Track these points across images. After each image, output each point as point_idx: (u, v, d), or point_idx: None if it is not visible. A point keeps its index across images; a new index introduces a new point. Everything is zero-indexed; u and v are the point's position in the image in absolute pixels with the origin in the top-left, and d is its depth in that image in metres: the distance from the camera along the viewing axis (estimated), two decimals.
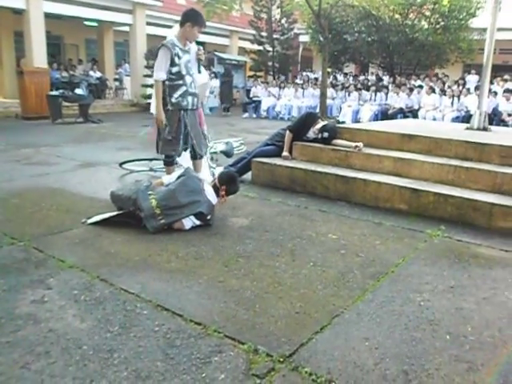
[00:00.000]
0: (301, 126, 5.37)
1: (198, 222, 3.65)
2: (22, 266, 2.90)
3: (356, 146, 4.91)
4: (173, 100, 4.19)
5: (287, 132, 5.36)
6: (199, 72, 4.40)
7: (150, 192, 3.62)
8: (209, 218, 3.69)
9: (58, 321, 2.26)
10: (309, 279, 2.80)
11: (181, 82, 4.19)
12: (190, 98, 4.27)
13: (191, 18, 4.11)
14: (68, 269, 2.86)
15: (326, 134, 5.13)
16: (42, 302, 2.45)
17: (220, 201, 3.78)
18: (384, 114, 13.03)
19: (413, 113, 12.50)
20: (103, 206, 4.11)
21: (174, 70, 4.14)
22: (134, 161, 5.92)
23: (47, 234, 3.46)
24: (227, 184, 3.78)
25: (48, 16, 13.47)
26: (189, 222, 3.62)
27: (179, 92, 4.19)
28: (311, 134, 5.31)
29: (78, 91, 12.12)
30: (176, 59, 4.12)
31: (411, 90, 13.04)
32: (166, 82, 4.16)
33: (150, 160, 5.80)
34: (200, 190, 3.70)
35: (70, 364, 1.94)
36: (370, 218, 4.09)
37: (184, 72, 4.19)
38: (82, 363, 1.95)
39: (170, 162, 4.51)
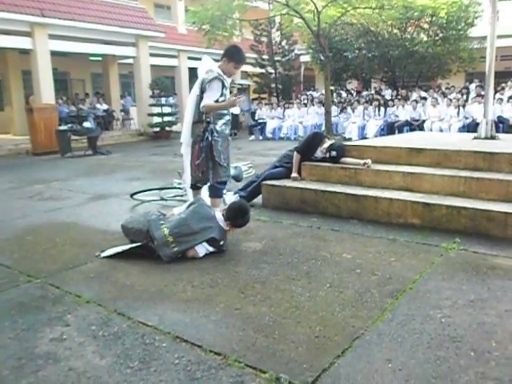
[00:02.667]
0: (308, 147, 5.39)
1: (211, 249, 3.66)
2: (39, 303, 2.91)
3: (365, 163, 4.92)
4: (217, 128, 4.21)
5: (295, 153, 5.38)
6: None
7: (161, 222, 3.65)
8: (222, 243, 3.69)
9: (78, 358, 2.26)
10: (326, 301, 2.78)
11: (225, 111, 4.28)
12: (229, 127, 4.40)
13: (227, 54, 4.21)
14: (85, 304, 2.87)
15: (334, 153, 5.14)
16: (60, 339, 2.45)
17: (228, 232, 3.79)
18: (389, 128, 13.05)
19: (419, 125, 12.50)
20: (116, 238, 4.13)
21: (221, 99, 4.18)
22: (144, 191, 5.97)
23: (63, 269, 3.48)
24: (232, 218, 3.75)
25: (54, 54, 13.84)
26: (202, 249, 3.62)
27: (223, 121, 4.26)
28: (319, 153, 5.33)
29: (86, 124, 12.32)
30: (223, 90, 4.19)
31: (416, 102, 13.08)
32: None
33: (161, 189, 5.85)
34: (211, 217, 3.72)
35: None
36: (383, 234, 4.06)
37: None
38: None
39: (221, 192, 4.47)
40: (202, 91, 4.17)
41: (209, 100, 4.11)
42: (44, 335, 2.50)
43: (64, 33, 13.81)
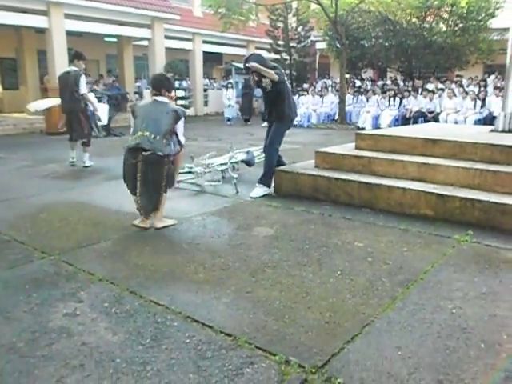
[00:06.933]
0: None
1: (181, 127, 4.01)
2: (53, 279, 2.96)
3: None
4: None
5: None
6: None
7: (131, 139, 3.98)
8: (181, 112, 3.99)
9: (91, 334, 2.30)
10: (337, 288, 2.79)
11: None
12: None
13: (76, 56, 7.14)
14: (98, 282, 2.91)
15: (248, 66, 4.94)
16: (74, 315, 2.49)
17: (172, 99, 4.02)
18: (404, 119, 12.92)
19: (434, 117, 12.35)
20: (129, 218, 4.17)
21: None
22: None
23: (76, 247, 3.53)
24: (162, 86, 4.04)
25: (69, 34, 13.82)
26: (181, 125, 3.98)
27: None
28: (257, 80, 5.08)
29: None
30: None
31: (433, 93, 12.91)
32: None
33: None
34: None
35: (104, 377, 1.97)
36: (395, 224, 4.04)
37: None
38: (116, 376, 1.97)
39: None
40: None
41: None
42: (58, 310, 2.54)
43: (80, 13, 13.77)
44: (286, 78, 5.20)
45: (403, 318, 2.43)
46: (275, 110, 5.16)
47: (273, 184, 5.26)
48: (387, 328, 2.34)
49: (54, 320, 2.44)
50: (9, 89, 16.90)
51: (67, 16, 13.54)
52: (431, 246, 3.52)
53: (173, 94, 4.18)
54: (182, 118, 3.99)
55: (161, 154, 3.77)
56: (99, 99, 13.01)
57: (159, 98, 4.01)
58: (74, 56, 7.19)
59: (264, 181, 5.15)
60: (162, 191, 3.92)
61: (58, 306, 2.60)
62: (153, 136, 3.77)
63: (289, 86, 5.26)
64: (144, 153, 3.76)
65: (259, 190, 5.09)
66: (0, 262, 3.23)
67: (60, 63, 13.37)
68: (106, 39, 17.41)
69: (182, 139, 4.05)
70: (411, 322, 2.39)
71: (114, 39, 17.37)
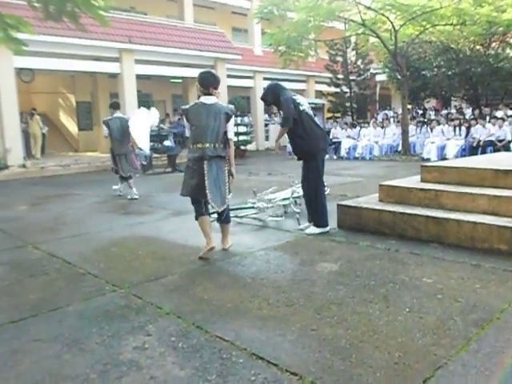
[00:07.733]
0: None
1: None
2: (123, 312, 3.07)
3: None
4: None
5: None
6: None
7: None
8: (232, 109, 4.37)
9: (159, 368, 2.35)
10: (406, 327, 2.68)
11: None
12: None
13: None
14: (165, 315, 2.99)
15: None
16: (143, 348, 2.57)
17: (217, 94, 4.26)
18: (472, 149, 12.43)
19: (504, 146, 11.79)
20: (194, 252, 4.28)
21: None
22: None
23: (145, 281, 3.66)
24: (209, 84, 4.21)
25: (139, 77, 14.75)
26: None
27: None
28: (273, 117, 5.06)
29: (166, 143, 12.91)
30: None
31: (503, 120, 12.37)
32: None
33: (235, 209, 5.95)
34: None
35: None
36: (466, 259, 3.86)
37: None
38: None
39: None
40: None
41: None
42: (128, 343, 2.63)
43: (148, 57, 14.70)
44: (303, 109, 4.83)
45: (479, 362, 2.29)
46: (295, 147, 5.01)
47: (335, 217, 5.20)
48: (462, 372, 2.21)
49: (124, 353, 2.52)
50: (84, 130, 18.16)
51: (137, 61, 14.49)
52: (507, 282, 3.32)
53: (219, 89, 4.35)
54: (233, 116, 4.28)
55: (222, 155, 4.16)
56: (165, 137, 13.70)
57: (208, 100, 4.17)
58: (117, 105, 8.51)
59: (320, 222, 4.94)
60: (227, 187, 4.23)
61: (128, 338, 2.69)
62: (213, 145, 4.09)
63: (306, 116, 4.82)
64: (207, 156, 4.08)
65: (316, 229, 4.95)
66: (76, 294, 3.42)
67: (130, 105, 14.24)
68: (172, 80, 18.35)
69: (232, 135, 4.31)
70: (488, 367, 2.24)
71: (179, 80, 18.28)
